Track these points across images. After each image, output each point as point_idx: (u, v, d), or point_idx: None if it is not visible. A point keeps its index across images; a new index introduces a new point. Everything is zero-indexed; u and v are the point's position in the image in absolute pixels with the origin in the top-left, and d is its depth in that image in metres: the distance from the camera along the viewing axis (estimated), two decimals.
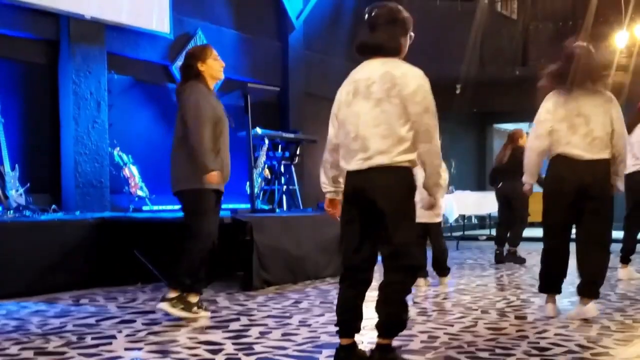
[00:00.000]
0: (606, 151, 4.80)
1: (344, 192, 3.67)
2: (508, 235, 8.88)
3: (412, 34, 3.69)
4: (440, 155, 3.55)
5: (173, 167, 5.01)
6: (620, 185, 4.94)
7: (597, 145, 4.76)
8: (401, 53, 3.64)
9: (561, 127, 4.80)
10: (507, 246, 8.87)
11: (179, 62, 8.89)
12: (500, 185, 8.91)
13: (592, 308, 4.87)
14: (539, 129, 4.89)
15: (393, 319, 3.52)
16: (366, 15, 3.64)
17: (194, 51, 5.23)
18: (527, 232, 9.00)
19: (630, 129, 7.00)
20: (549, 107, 4.86)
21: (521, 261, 8.64)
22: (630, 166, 6.95)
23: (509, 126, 17.02)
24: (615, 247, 7.29)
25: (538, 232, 5.63)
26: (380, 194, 3.46)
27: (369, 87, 3.53)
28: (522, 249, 8.97)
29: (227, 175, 5.08)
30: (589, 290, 4.89)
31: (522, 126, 12.06)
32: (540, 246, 5.11)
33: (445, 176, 6.20)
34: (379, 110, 3.49)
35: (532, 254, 9.04)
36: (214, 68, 5.16)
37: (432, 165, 3.51)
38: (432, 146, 3.49)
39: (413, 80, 3.49)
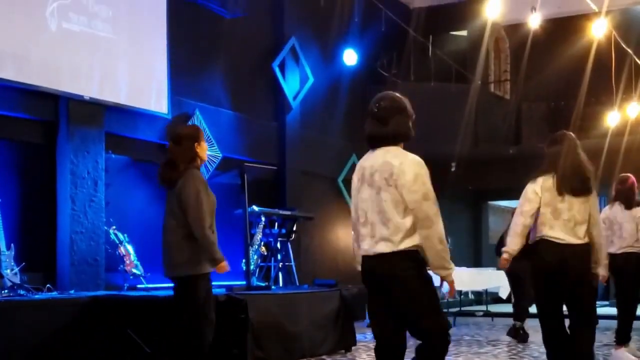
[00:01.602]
0: (586, 237, 4.94)
1: (361, 272, 3.82)
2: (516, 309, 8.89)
3: (413, 117, 3.88)
4: (443, 238, 3.66)
5: (176, 251, 4.97)
6: (603, 271, 5.08)
7: (579, 230, 4.90)
8: (410, 138, 3.84)
9: (545, 210, 4.93)
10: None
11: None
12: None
13: None
14: (526, 206, 4.99)
15: None
16: (374, 109, 3.81)
17: (190, 132, 5.19)
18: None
19: (629, 204, 7.07)
20: (536, 189, 4.96)
21: (525, 338, 8.55)
22: (618, 247, 7.05)
23: (504, 203, 17.12)
24: (613, 324, 7.26)
25: None
26: (389, 282, 3.63)
27: (372, 175, 3.71)
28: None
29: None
30: None
31: (517, 203, 12.09)
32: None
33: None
34: (380, 198, 3.66)
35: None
36: (205, 150, 5.18)
37: (434, 250, 3.64)
38: (432, 232, 3.62)
39: (410, 168, 3.64)
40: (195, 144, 5.06)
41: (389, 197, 3.63)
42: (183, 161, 5.01)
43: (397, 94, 3.89)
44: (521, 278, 8.56)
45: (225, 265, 4.93)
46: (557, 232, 4.88)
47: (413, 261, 3.64)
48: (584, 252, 4.92)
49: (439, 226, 3.64)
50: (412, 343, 3.68)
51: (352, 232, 3.88)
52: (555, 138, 5.12)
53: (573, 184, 4.88)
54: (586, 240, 4.93)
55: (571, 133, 5.13)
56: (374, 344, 3.79)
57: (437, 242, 3.62)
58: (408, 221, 3.61)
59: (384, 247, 3.63)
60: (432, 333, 3.62)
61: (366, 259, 3.74)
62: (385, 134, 3.76)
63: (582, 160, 4.96)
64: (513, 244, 5.04)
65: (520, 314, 8.82)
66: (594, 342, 5.02)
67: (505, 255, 5.11)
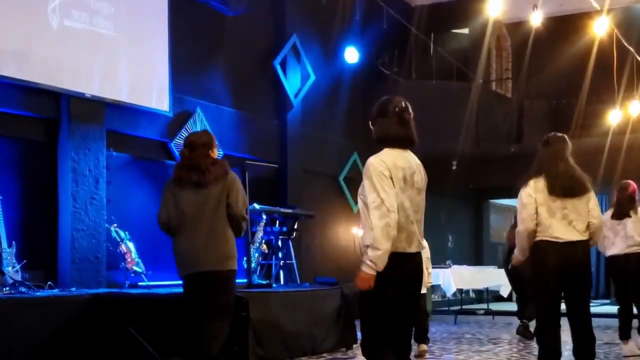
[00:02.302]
0: (585, 233, 4.93)
1: (396, 274, 3.70)
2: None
3: None
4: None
5: (216, 245, 5.15)
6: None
7: (576, 226, 4.89)
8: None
9: (541, 210, 4.92)
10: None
11: (178, 140, 9.08)
12: (509, 265, 8.94)
13: None
14: (523, 213, 4.97)
15: None
16: (403, 112, 3.88)
17: (210, 139, 5.36)
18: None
19: (623, 213, 7.09)
20: (529, 191, 4.96)
21: (531, 336, 8.57)
22: (612, 248, 7.07)
23: (505, 202, 17.12)
24: (614, 323, 7.28)
25: None
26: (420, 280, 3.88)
27: (413, 175, 3.81)
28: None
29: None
30: None
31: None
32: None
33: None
34: (420, 198, 3.85)
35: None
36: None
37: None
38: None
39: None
40: (211, 151, 5.27)
41: (423, 197, 3.88)
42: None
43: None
44: (522, 277, 8.56)
45: None
46: (554, 230, 4.88)
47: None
48: (584, 249, 4.91)
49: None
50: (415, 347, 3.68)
51: (387, 231, 3.63)
52: (546, 140, 5.13)
53: (563, 186, 4.88)
54: (584, 237, 4.91)
55: (563, 135, 5.12)
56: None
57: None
58: None
59: (422, 244, 3.88)
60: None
61: (411, 256, 3.80)
62: (413, 137, 3.89)
63: (569, 164, 4.96)
64: (522, 255, 5.10)
65: (523, 312, 8.83)
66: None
67: (516, 260, 5.25)
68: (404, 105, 3.88)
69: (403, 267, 3.73)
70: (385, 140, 3.86)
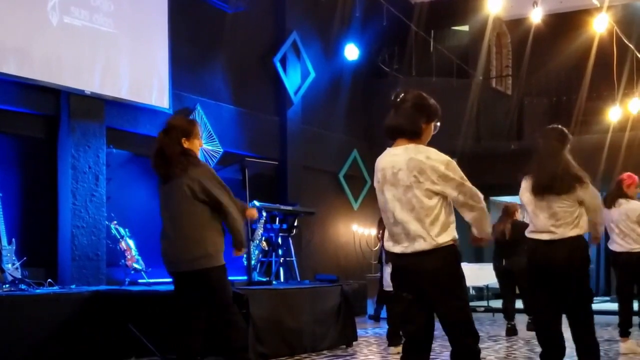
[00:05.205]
0: (573, 230, 4.83)
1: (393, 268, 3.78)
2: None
3: (437, 123, 3.81)
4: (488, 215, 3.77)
5: (187, 247, 4.86)
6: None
7: (562, 224, 4.82)
8: (421, 138, 3.74)
9: (529, 209, 4.96)
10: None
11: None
12: (503, 261, 8.92)
13: None
14: (528, 209, 5.00)
15: None
16: (391, 101, 3.77)
17: (188, 126, 4.96)
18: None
19: (611, 203, 7.08)
20: (522, 191, 5.03)
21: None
22: (617, 245, 7.06)
23: (506, 199, 17.09)
24: (614, 320, 7.26)
25: None
26: (426, 280, 3.62)
27: (397, 174, 3.65)
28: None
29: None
30: None
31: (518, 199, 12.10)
32: None
33: None
34: (411, 195, 3.62)
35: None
36: (197, 147, 4.99)
37: (482, 227, 3.85)
38: (480, 210, 3.77)
39: (439, 158, 3.62)
40: (184, 139, 4.87)
41: (420, 193, 3.64)
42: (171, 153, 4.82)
43: (425, 95, 3.85)
44: (517, 274, 8.56)
45: None
46: (539, 229, 4.88)
47: (450, 255, 3.74)
48: (569, 247, 4.82)
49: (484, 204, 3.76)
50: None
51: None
52: (540, 134, 5.09)
53: (542, 185, 4.84)
54: (571, 234, 4.82)
55: (556, 128, 5.02)
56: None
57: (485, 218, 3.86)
58: (443, 213, 3.77)
59: (421, 245, 3.66)
60: (462, 329, 3.63)
61: (398, 256, 3.73)
62: (393, 124, 3.77)
63: (556, 160, 4.86)
64: None
65: (528, 309, 8.85)
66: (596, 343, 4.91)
67: None
68: (397, 93, 3.79)
69: (395, 267, 3.77)
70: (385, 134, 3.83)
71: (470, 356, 3.64)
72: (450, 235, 3.67)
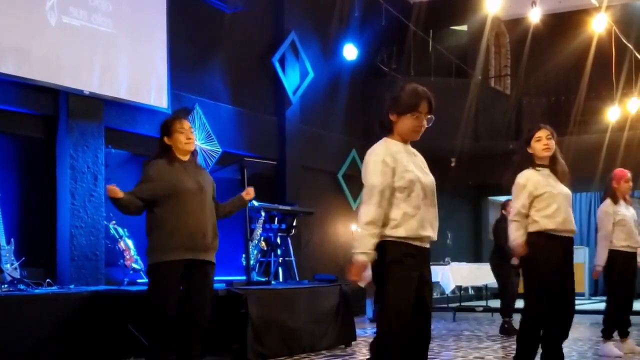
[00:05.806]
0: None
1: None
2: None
3: (425, 116, 3.77)
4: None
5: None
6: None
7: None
8: (392, 132, 3.71)
9: None
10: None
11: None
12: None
13: None
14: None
15: None
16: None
17: (166, 123, 5.21)
18: None
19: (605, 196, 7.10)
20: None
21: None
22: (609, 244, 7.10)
23: (504, 198, 17.08)
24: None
25: None
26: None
27: None
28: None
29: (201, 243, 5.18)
30: None
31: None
32: None
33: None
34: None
35: None
36: (181, 142, 5.16)
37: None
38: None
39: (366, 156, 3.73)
40: (165, 137, 5.08)
41: None
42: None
43: (401, 86, 3.82)
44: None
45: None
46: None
47: None
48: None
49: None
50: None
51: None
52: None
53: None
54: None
55: (541, 126, 5.46)
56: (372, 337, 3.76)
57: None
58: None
59: None
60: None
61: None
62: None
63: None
64: None
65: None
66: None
67: None
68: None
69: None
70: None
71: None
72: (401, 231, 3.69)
